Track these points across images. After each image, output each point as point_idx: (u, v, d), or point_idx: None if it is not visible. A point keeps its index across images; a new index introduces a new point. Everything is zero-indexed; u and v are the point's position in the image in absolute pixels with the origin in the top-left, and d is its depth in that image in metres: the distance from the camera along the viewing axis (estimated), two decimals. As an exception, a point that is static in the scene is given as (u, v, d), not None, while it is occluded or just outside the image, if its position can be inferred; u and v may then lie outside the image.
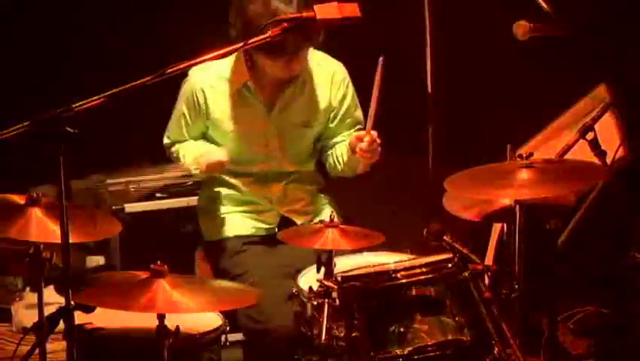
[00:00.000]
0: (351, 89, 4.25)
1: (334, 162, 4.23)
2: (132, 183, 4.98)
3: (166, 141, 4.29)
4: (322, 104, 4.20)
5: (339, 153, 4.20)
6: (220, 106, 4.13)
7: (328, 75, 4.19)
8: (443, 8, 4.54)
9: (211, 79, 4.11)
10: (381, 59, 3.86)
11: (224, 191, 4.23)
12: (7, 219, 3.09)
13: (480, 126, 4.88)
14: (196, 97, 4.12)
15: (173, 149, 4.26)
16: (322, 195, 4.34)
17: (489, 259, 4.39)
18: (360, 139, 3.95)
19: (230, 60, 4.05)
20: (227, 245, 4.16)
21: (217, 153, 4.07)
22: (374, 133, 3.92)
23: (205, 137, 4.23)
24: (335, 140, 4.25)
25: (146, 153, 4.50)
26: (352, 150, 4.02)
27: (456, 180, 3.56)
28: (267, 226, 4.20)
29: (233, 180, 4.22)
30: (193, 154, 4.14)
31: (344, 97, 4.23)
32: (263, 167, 4.19)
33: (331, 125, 4.24)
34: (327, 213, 4.08)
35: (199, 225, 4.32)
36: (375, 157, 3.99)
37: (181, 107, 4.18)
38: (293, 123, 4.17)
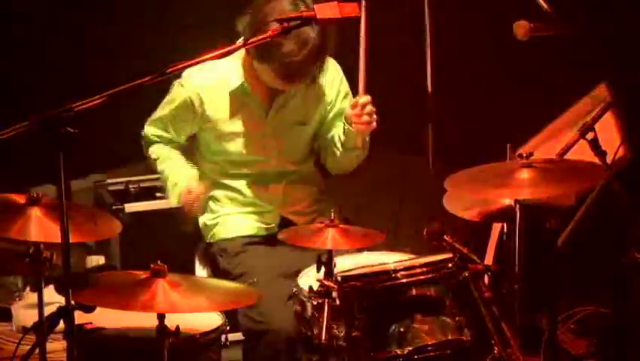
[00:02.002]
0: (345, 85, 4.25)
1: (332, 150, 4.20)
2: (132, 183, 4.98)
3: (146, 132, 4.23)
4: (318, 101, 4.20)
5: (336, 137, 4.18)
6: (216, 107, 4.12)
7: (323, 73, 4.19)
8: (443, 8, 4.54)
9: (207, 80, 4.10)
10: (363, 2, 3.86)
11: (223, 192, 4.23)
12: (7, 220, 3.09)
13: (480, 126, 4.88)
14: (192, 101, 4.10)
15: (152, 149, 4.23)
16: (324, 197, 4.33)
17: (488, 259, 4.38)
18: (354, 105, 3.95)
19: (226, 61, 4.04)
20: (227, 246, 4.16)
21: (196, 186, 4.06)
22: (367, 96, 3.92)
23: (195, 138, 4.23)
24: (331, 135, 4.25)
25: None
26: (348, 122, 4.01)
27: (456, 179, 3.56)
28: (267, 226, 4.20)
29: (232, 182, 4.21)
30: (175, 177, 4.13)
31: (338, 93, 4.23)
32: (261, 167, 4.19)
33: (327, 121, 4.24)
34: (327, 214, 4.08)
35: (199, 225, 4.31)
36: (371, 125, 3.98)
37: (173, 107, 4.14)
38: (290, 123, 4.17)
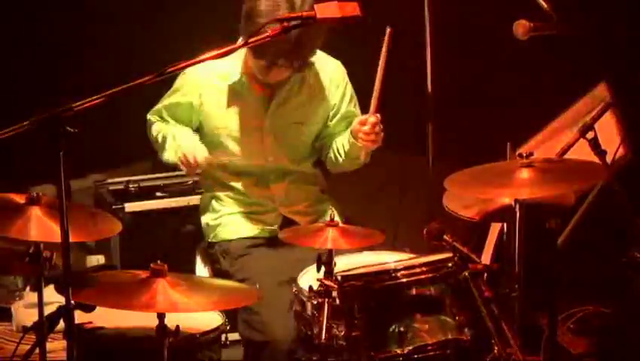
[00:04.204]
0: (349, 88, 4.25)
1: (334, 155, 4.20)
2: (132, 183, 4.98)
3: (149, 117, 4.24)
4: (320, 103, 4.20)
5: (340, 144, 4.18)
6: (215, 101, 4.12)
7: (327, 74, 4.19)
8: (443, 8, 4.54)
9: (207, 74, 4.10)
10: (388, 30, 3.86)
11: (226, 192, 4.23)
12: (7, 219, 3.09)
13: (480, 126, 4.88)
14: (192, 93, 4.12)
15: (154, 127, 4.21)
16: (325, 197, 4.33)
17: (485, 259, 4.38)
18: (363, 123, 3.96)
19: (227, 57, 4.03)
20: (229, 248, 4.15)
21: (199, 150, 4.02)
22: (377, 116, 3.93)
23: (196, 132, 4.23)
24: (334, 138, 4.25)
25: (146, 152, 4.50)
26: (354, 136, 4.02)
27: (456, 179, 3.55)
28: (269, 228, 4.20)
29: (234, 182, 4.21)
30: (178, 139, 4.08)
31: (343, 96, 4.23)
32: (260, 163, 4.18)
33: (330, 124, 4.24)
34: (329, 214, 4.08)
35: (201, 225, 4.31)
36: (377, 143, 3.99)
37: (174, 98, 4.16)
38: (289, 121, 4.17)
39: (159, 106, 4.22)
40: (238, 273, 4.05)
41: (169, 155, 4.10)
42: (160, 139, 4.16)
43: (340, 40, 4.00)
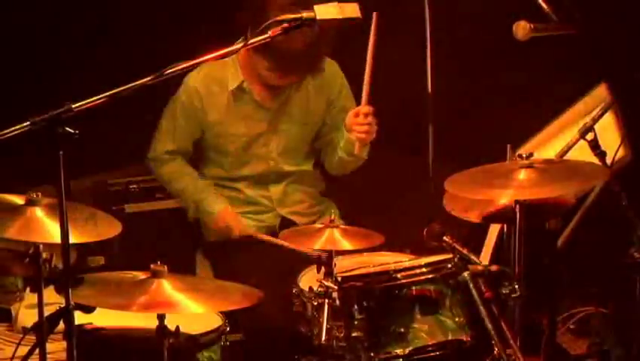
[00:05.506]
0: (346, 86, 4.26)
1: (332, 151, 4.21)
2: (132, 183, 4.98)
3: (153, 153, 4.25)
4: (318, 102, 4.22)
5: (336, 141, 4.19)
6: (217, 107, 4.13)
7: (323, 73, 4.20)
8: (443, 8, 4.54)
9: (206, 81, 4.11)
10: (374, 15, 3.87)
11: (224, 192, 4.23)
12: (7, 220, 3.09)
13: (480, 126, 4.87)
14: (192, 100, 4.11)
15: (162, 170, 4.26)
16: (324, 198, 4.33)
17: (485, 260, 4.38)
18: (356, 114, 3.96)
19: (224, 62, 4.04)
20: (228, 246, 4.16)
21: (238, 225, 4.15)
22: (370, 106, 3.94)
23: (197, 143, 4.22)
24: (331, 136, 4.25)
25: (146, 153, 4.50)
26: (348, 129, 4.02)
27: (456, 180, 3.55)
28: (268, 225, 4.20)
29: (233, 183, 4.21)
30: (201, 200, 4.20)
31: (339, 93, 4.25)
32: (261, 167, 4.19)
33: (328, 122, 4.25)
34: (328, 215, 4.07)
35: (200, 225, 4.31)
36: (371, 135, 4.00)
37: (176, 112, 4.16)
38: (290, 122, 4.18)
39: (161, 129, 4.20)
40: (235, 269, 4.06)
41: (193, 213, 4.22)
42: (184, 197, 4.27)
43: (339, 39, 4.00)
